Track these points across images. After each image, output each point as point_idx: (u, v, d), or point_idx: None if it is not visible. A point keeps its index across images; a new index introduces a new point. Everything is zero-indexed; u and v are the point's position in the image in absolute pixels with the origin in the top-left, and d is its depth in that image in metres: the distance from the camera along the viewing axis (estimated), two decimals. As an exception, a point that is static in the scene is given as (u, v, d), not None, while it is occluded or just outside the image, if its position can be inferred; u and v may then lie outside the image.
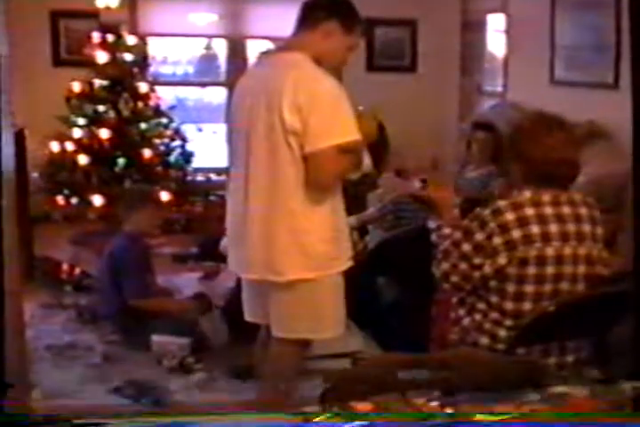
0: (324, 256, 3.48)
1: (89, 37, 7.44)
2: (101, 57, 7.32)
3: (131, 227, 5.29)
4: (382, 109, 6.85)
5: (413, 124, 8.25)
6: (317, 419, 2.01)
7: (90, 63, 7.37)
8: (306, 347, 3.70)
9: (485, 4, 7.85)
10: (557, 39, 6.31)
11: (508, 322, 3.34)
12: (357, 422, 2.00)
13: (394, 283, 5.25)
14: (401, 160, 7.81)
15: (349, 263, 3.62)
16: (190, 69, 10.34)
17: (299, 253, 3.45)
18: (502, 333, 3.35)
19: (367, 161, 3.72)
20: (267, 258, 3.48)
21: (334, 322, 3.64)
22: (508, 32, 7.36)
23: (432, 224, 3.65)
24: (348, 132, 3.34)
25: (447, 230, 3.49)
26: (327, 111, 3.30)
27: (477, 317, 3.44)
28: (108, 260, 5.23)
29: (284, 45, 3.62)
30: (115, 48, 7.39)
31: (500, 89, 7.50)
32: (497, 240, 3.26)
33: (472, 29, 8.22)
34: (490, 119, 6.62)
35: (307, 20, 3.53)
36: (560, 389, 2.29)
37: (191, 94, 10.50)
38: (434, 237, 3.56)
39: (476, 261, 3.31)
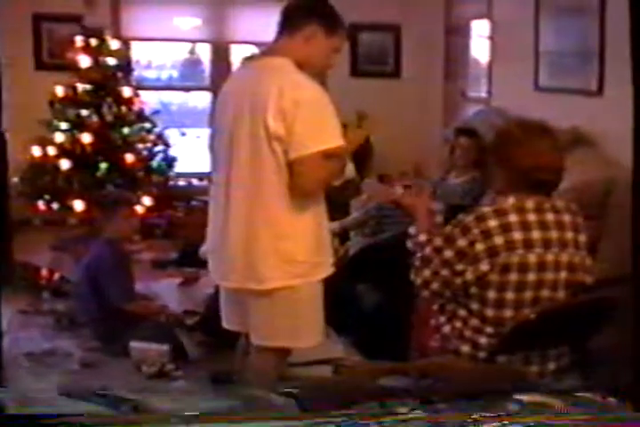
0: (306, 263, 3.45)
1: (72, 41, 7.42)
2: (84, 61, 7.30)
3: (109, 232, 5.24)
4: (367, 116, 6.88)
5: (397, 129, 8.21)
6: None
7: (73, 67, 7.35)
8: (285, 354, 3.68)
9: (469, 9, 7.85)
10: (541, 45, 6.30)
11: (489, 329, 3.33)
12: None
13: (374, 289, 5.22)
14: (384, 166, 7.82)
15: (331, 270, 3.60)
16: (174, 74, 10.33)
17: (280, 260, 3.42)
18: (483, 340, 3.34)
19: (350, 167, 3.70)
20: (247, 266, 3.45)
21: (314, 330, 3.61)
22: (492, 38, 7.35)
23: (412, 230, 3.63)
24: (332, 137, 3.31)
25: (423, 237, 3.49)
26: (312, 117, 3.27)
27: (458, 324, 3.43)
28: (86, 266, 5.19)
29: (266, 50, 3.59)
30: (98, 52, 7.37)
31: (484, 95, 7.48)
32: (479, 247, 3.26)
33: (456, 35, 8.22)
34: (473, 125, 6.61)
35: (287, 24, 3.51)
36: (538, 398, 2.26)
37: (175, 99, 10.48)
38: (410, 244, 3.55)
39: (458, 267, 3.30)
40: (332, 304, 3.76)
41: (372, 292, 5.22)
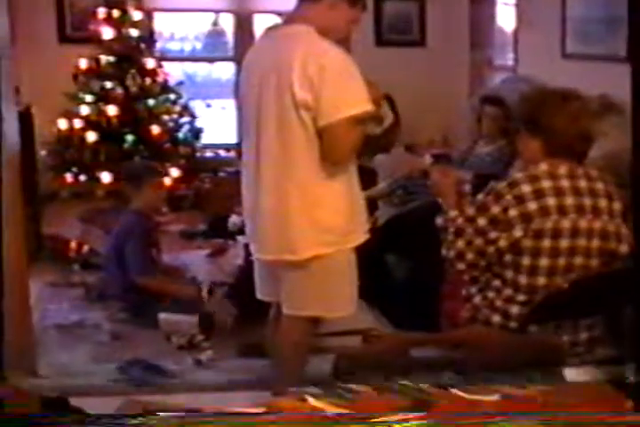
0: (339, 230, 3.45)
1: (94, 13, 7.41)
2: (107, 33, 7.29)
3: (137, 204, 5.27)
4: (391, 84, 6.84)
5: (424, 99, 8.18)
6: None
7: (96, 39, 7.34)
8: (317, 324, 3.68)
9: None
10: (568, 12, 6.23)
11: (522, 297, 3.34)
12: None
13: (404, 259, 5.21)
14: (411, 135, 7.78)
15: (366, 237, 3.59)
16: (198, 45, 10.30)
17: (314, 228, 3.41)
18: (515, 310, 3.34)
19: (389, 113, 3.67)
20: (280, 237, 3.45)
21: (347, 300, 3.61)
22: (517, 5, 7.27)
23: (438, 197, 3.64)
24: (360, 102, 3.29)
25: (453, 213, 3.48)
26: (338, 83, 3.24)
27: (490, 294, 3.43)
28: (114, 238, 5.23)
29: (288, 18, 3.56)
30: (120, 24, 7.35)
31: (510, 63, 7.42)
32: (513, 212, 3.27)
33: (481, 3, 8.13)
34: (498, 93, 6.56)
35: None
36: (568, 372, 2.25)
37: (200, 70, 10.48)
38: (440, 221, 3.55)
39: (492, 235, 3.32)
40: (362, 274, 3.76)
41: (401, 261, 5.22)
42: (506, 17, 7.67)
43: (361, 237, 3.57)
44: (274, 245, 3.49)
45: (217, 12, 9.26)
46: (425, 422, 1.82)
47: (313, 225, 3.41)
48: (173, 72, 8.05)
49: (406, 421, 1.82)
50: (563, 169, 3.34)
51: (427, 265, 4.56)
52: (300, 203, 3.39)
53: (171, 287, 5.18)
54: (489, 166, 5.72)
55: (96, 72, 7.33)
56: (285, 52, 3.33)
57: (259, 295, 3.79)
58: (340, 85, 3.25)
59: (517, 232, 3.27)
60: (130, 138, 7.26)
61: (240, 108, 3.67)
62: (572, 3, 6.20)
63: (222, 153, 8.39)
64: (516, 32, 7.31)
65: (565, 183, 3.32)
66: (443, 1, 8.49)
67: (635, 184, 2.69)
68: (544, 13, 6.64)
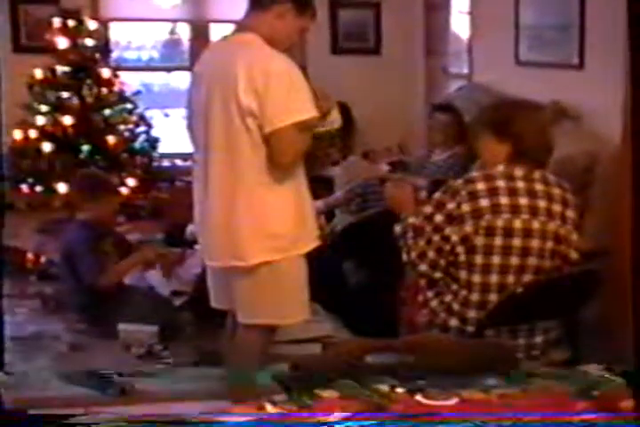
0: (288, 237, 3.46)
1: (49, 23, 7.37)
2: (62, 43, 7.26)
3: (85, 214, 5.21)
4: (347, 92, 6.87)
5: (380, 106, 8.23)
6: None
7: (51, 49, 7.32)
8: (272, 332, 3.68)
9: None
10: (521, 19, 6.28)
11: (476, 297, 3.37)
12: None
13: (362, 266, 5.24)
14: (368, 143, 7.82)
15: (315, 243, 3.61)
16: (155, 54, 10.28)
17: (261, 235, 3.42)
18: (471, 314, 3.38)
19: (337, 116, 3.69)
20: (229, 243, 3.46)
21: (299, 307, 3.62)
22: (471, 13, 7.32)
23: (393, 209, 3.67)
24: (305, 109, 3.32)
25: (412, 219, 3.50)
26: (283, 89, 3.27)
27: (447, 298, 3.47)
28: (63, 249, 5.19)
29: (236, 27, 3.60)
30: (76, 34, 7.32)
31: (465, 70, 7.47)
32: (465, 208, 3.34)
33: (436, 11, 8.17)
34: (455, 101, 6.61)
35: (259, 0, 3.50)
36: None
37: (157, 79, 10.43)
38: (398, 228, 3.58)
39: (447, 231, 3.36)
40: (320, 282, 3.78)
41: (359, 268, 5.25)
42: (461, 25, 7.72)
43: (311, 243, 3.58)
44: (222, 252, 3.51)
45: (173, 21, 9.25)
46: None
47: (260, 231, 3.42)
48: (130, 81, 8.03)
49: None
50: (519, 171, 3.40)
51: (384, 272, 4.60)
52: (247, 209, 3.41)
53: (128, 263, 5.16)
54: (445, 173, 5.76)
55: (51, 82, 7.30)
56: (231, 60, 3.36)
57: (213, 304, 3.79)
58: (285, 92, 3.28)
59: (468, 227, 3.32)
60: (86, 148, 7.23)
61: (190, 118, 3.68)
62: (524, 10, 6.25)
63: (179, 162, 8.37)
64: (470, 40, 7.36)
65: (521, 184, 3.38)
66: (398, 9, 8.51)
67: (635, 182, 2.73)
68: (498, 21, 6.69)
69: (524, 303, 3.34)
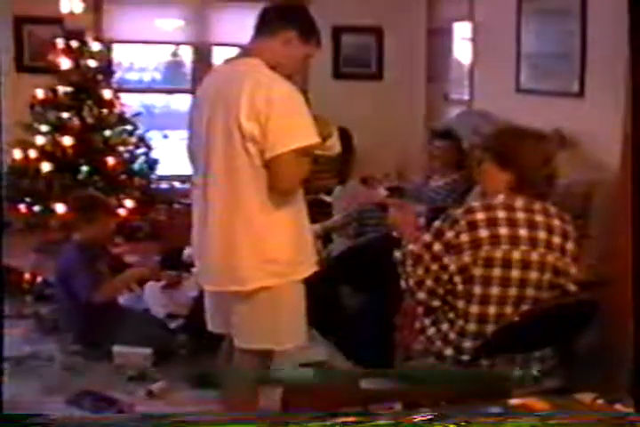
0: (286, 262, 3.45)
1: (53, 44, 7.38)
2: (65, 63, 7.26)
3: (81, 235, 5.21)
4: (348, 117, 6.88)
5: (380, 132, 8.26)
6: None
7: (53, 70, 7.32)
8: (268, 357, 3.67)
9: (451, 12, 7.86)
10: (523, 47, 6.32)
11: (473, 327, 3.35)
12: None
13: (358, 291, 5.24)
14: (367, 168, 7.82)
15: (313, 269, 3.60)
16: (157, 76, 10.30)
17: (260, 260, 3.42)
18: (467, 344, 3.37)
19: (336, 141, 3.70)
20: (228, 268, 3.46)
21: (296, 332, 3.62)
22: (473, 40, 7.36)
23: (397, 233, 3.66)
24: (306, 135, 3.33)
25: (412, 246, 3.49)
26: (285, 115, 3.28)
27: (444, 327, 3.45)
28: (59, 270, 5.18)
29: (241, 52, 3.62)
30: (79, 54, 7.33)
31: (466, 97, 7.50)
32: (464, 238, 3.32)
33: (438, 37, 8.22)
34: (449, 127, 6.64)
35: (265, 26, 3.53)
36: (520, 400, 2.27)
37: (158, 101, 10.46)
38: (398, 254, 3.56)
39: (445, 260, 3.35)
40: (316, 306, 3.77)
41: (355, 294, 5.24)
42: (462, 51, 7.76)
43: (309, 268, 3.58)
44: (221, 276, 3.51)
45: (176, 44, 9.29)
46: None
47: (259, 256, 3.42)
48: (131, 102, 8.04)
49: None
50: (520, 202, 3.39)
51: (380, 297, 4.59)
52: (246, 234, 3.41)
53: (123, 278, 5.16)
54: (443, 199, 5.78)
55: (53, 102, 7.29)
56: (234, 85, 3.36)
57: (210, 327, 3.78)
58: (287, 118, 3.29)
59: (466, 257, 3.31)
60: (85, 169, 7.21)
61: (190, 141, 3.69)
62: (526, 38, 6.29)
63: (177, 184, 8.37)
64: (471, 66, 7.39)
65: (521, 215, 3.37)
66: (400, 34, 8.55)
67: (634, 212, 2.73)
68: (500, 48, 6.73)
69: (520, 332, 3.32)
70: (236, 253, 3.41)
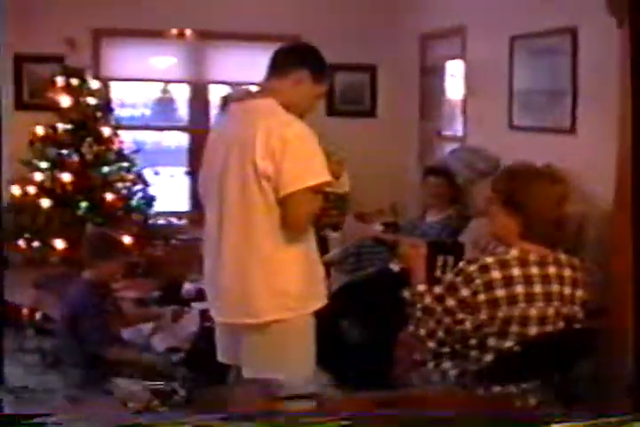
0: (298, 296, 3.55)
1: (53, 81, 7.47)
2: (65, 101, 7.35)
3: (91, 274, 5.23)
4: (342, 153, 6.93)
5: (373, 168, 8.31)
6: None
7: (53, 107, 7.41)
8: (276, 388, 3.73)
9: (444, 50, 7.96)
10: (515, 84, 6.43)
11: (474, 367, 3.40)
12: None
13: (357, 324, 5.30)
14: (361, 204, 7.90)
15: (324, 302, 3.69)
16: (147, 112, 10.39)
17: (273, 294, 3.52)
18: (467, 380, 3.40)
19: (346, 180, 3.81)
20: (241, 301, 3.55)
21: (305, 363, 3.70)
22: (466, 77, 7.46)
23: (395, 268, 3.71)
24: (320, 173, 3.43)
25: (421, 287, 3.53)
26: (299, 155, 3.38)
27: (445, 365, 3.50)
28: (67, 307, 5.20)
29: (254, 92, 3.72)
30: (78, 92, 7.43)
31: (459, 134, 7.60)
32: (481, 297, 3.31)
33: (431, 75, 8.33)
34: (442, 163, 6.73)
35: (278, 67, 3.64)
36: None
37: (149, 137, 10.53)
38: (407, 294, 3.60)
39: (460, 316, 3.35)
40: (316, 339, 3.83)
41: (354, 326, 5.30)
42: (455, 88, 7.87)
43: (320, 302, 3.67)
44: (234, 309, 3.59)
45: (172, 82, 9.38)
46: None
47: (272, 290, 3.51)
48: (124, 139, 8.06)
49: None
50: (533, 256, 3.38)
51: (378, 330, 4.66)
52: (259, 269, 3.50)
53: (129, 356, 5.20)
54: (438, 234, 5.86)
55: (52, 139, 7.38)
56: (249, 125, 3.46)
57: (220, 358, 3.86)
58: (301, 157, 3.39)
59: (482, 316, 3.32)
60: (84, 204, 7.29)
61: (190, 174, 3.78)
62: (518, 76, 6.40)
63: (174, 220, 8.45)
64: (464, 103, 7.50)
65: (535, 271, 3.36)
66: (394, 72, 8.67)
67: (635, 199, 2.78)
68: (492, 86, 6.83)
69: (517, 362, 3.38)
70: (250, 286, 3.51)
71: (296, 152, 3.37)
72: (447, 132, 8.05)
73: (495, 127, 6.71)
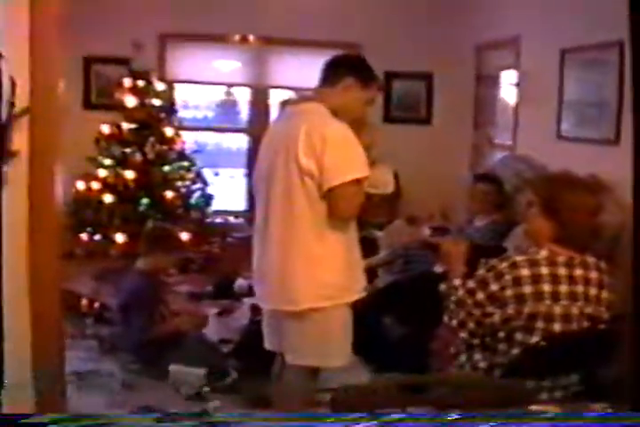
0: (336, 286, 3.77)
1: (120, 83, 7.69)
2: (131, 102, 7.56)
3: (144, 265, 5.53)
4: (396, 159, 7.09)
5: (426, 174, 8.51)
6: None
7: (119, 107, 7.62)
8: (315, 375, 3.96)
9: (499, 60, 8.07)
10: (565, 95, 6.54)
11: (503, 360, 3.55)
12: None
13: (400, 322, 5.47)
14: (412, 208, 8.05)
15: (361, 294, 3.91)
16: (210, 114, 10.56)
17: (313, 283, 3.75)
18: (496, 373, 3.55)
19: (391, 181, 4.04)
20: (283, 289, 3.79)
21: (341, 351, 3.91)
22: (519, 87, 7.57)
23: (439, 270, 3.88)
24: (360, 168, 3.66)
25: (457, 281, 3.72)
26: (339, 151, 3.62)
27: (477, 356, 3.65)
28: (121, 297, 5.48)
29: (306, 97, 4.02)
30: (144, 94, 7.63)
31: (509, 142, 7.72)
32: (509, 292, 3.48)
33: (486, 84, 8.46)
34: (491, 171, 6.86)
35: (328, 76, 3.90)
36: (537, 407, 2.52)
37: (210, 139, 10.72)
38: (443, 287, 3.79)
39: (489, 309, 3.54)
40: (361, 335, 4.05)
41: (397, 323, 5.48)
42: (508, 98, 7.98)
43: (357, 293, 3.89)
44: (276, 296, 3.84)
45: (234, 85, 9.59)
46: None
47: (312, 280, 3.75)
48: (186, 140, 8.26)
49: None
50: (561, 258, 3.53)
51: (419, 327, 4.84)
52: (301, 260, 3.74)
53: (175, 322, 5.45)
54: (482, 238, 6.00)
55: (117, 138, 7.59)
56: (294, 127, 3.71)
57: (266, 346, 4.09)
58: (340, 153, 3.63)
59: (510, 310, 3.48)
60: (145, 201, 7.50)
61: (249, 176, 4.02)
62: (568, 87, 6.51)
63: (231, 219, 8.66)
64: (515, 113, 7.61)
65: (562, 271, 3.51)
66: (450, 81, 8.78)
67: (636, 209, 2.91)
68: (543, 97, 6.91)
69: (545, 358, 3.50)
70: (292, 276, 3.75)
71: (336, 149, 3.61)
72: (498, 140, 8.15)
73: (543, 137, 6.81)
